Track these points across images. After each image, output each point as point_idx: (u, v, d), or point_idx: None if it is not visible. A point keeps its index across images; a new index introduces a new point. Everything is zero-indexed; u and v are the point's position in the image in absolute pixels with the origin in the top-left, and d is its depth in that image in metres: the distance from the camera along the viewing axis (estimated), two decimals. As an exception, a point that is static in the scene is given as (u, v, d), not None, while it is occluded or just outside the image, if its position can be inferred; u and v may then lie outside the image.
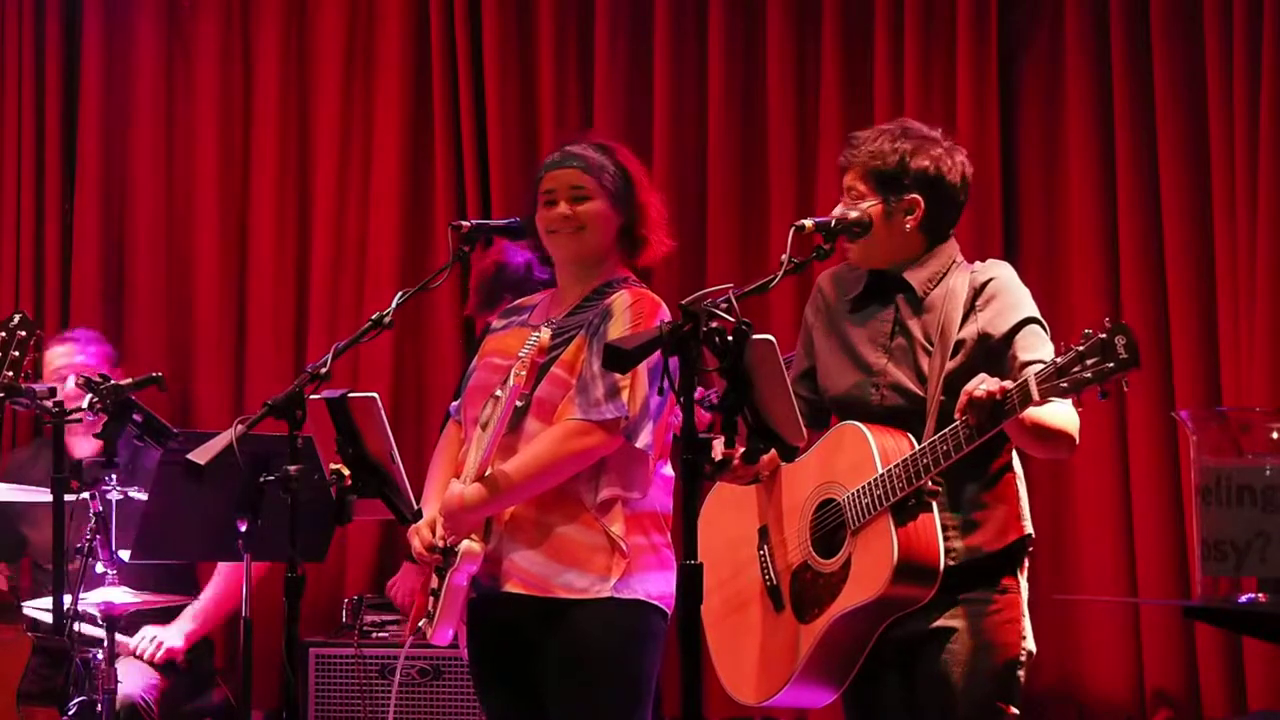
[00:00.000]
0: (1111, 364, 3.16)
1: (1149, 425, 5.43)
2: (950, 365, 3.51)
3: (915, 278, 3.60)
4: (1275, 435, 2.58)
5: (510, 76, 6.05)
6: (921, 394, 3.54)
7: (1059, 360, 3.23)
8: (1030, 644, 3.58)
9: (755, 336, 3.04)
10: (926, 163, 3.59)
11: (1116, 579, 5.46)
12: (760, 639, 3.67)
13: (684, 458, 2.98)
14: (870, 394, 3.59)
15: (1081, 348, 3.20)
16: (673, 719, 5.06)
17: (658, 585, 3.73)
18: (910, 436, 3.51)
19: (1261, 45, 5.33)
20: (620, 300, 3.77)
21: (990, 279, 3.58)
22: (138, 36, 6.34)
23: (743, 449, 3.15)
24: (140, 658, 5.22)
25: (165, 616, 5.30)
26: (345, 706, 5.44)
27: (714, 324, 3.01)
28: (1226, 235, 5.39)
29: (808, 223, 3.49)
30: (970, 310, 3.55)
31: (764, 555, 3.68)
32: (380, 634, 5.55)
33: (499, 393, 3.73)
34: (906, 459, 3.44)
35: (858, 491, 3.49)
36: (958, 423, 3.36)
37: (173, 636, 5.27)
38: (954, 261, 3.63)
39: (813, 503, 3.60)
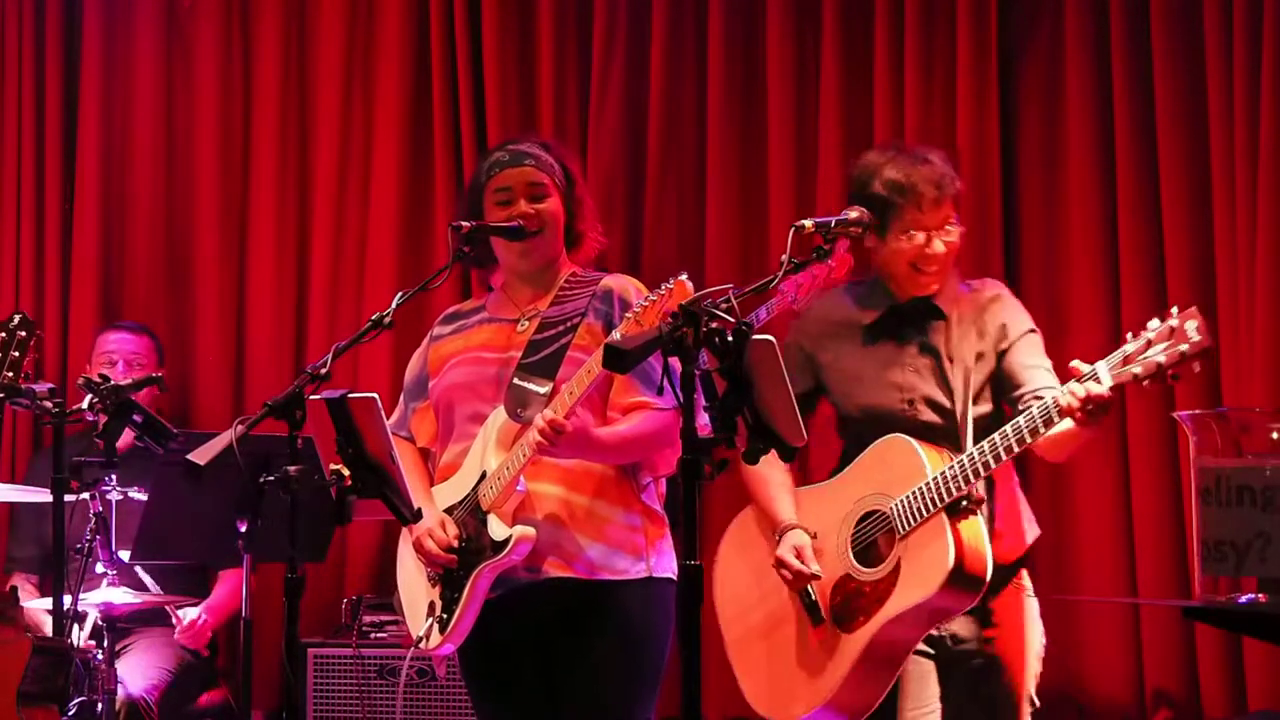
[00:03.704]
0: (1185, 348, 3.25)
1: (1149, 425, 5.43)
2: (976, 379, 3.70)
3: (941, 299, 3.80)
4: (1275, 435, 2.58)
5: (510, 76, 6.05)
6: (951, 407, 3.70)
7: (1129, 350, 3.33)
8: (1044, 638, 3.81)
9: (755, 337, 3.04)
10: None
11: (1116, 579, 5.46)
12: (798, 655, 3.79)
13: (684, 458, 2.99)
14: (904, 409, 3.75)
15: (1151, 335, 3.31)
16: (673, 719, 5.06)
17: (673, 560, 3.81)
18: (948, 450, 3.65)
19: (1261, 45, 5.32)
20: (620, 283, 3.83)
21: (996, 295, 3.80)
22: (138, 36, 6.34)
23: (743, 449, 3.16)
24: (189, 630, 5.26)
25: (165, 617, 5.30)
26: (344, 707, 5.44)
27: (714, 324, 3.02)
28: (1226, 235, 5.39)
29: (808, 223, 3.53)
30: (982, 325, 3.75)
31: None
32: (379, 634, 5.55)
33: (524, 383, 3.71)
34: (958, 462, 3.57)
35: (907, 497, 3.61)
36: (1008, 427, 3.50)
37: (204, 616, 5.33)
38: (959, 280, 3.83)
39: (854, 516, 3.72)
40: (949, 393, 3.72)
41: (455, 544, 3.74)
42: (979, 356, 3.72)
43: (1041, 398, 3.52)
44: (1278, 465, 2.53)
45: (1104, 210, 5.57)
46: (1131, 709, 5.48)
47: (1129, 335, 3.36)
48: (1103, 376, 3.35)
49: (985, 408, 3.70)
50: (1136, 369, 3.31)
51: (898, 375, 3.78)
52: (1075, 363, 3.44)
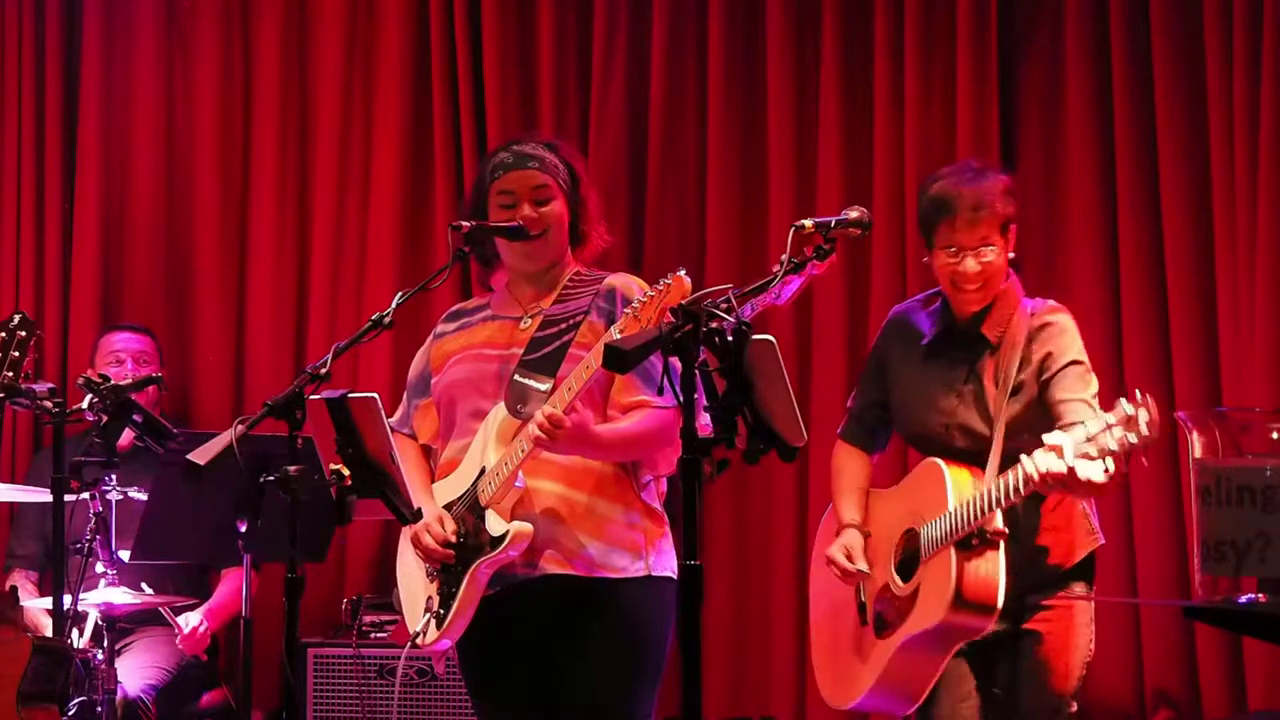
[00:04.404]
0: (1134, 439, 3.34)
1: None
2: (1013, 409, 3.76)
3: (988, 325, 3.85)
4: (1275, 435, 2.58)
5: (510, 76, 6.05)
6: (987, 434, 3.76)
7: (1091, 430, 3.41)
8: (1094, 643, 3.87)
9: (755, 336, 3.04)
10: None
11: (1116, 579, 5.46)
12: (847, 648, 3.94)
13: (684, 457, 2.98)
14: (941, 434, 3.84)
15: (1111, 419, 3.39)
16: (673, 719, 5.06)
17: (673, 559, 3.80)
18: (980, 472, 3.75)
19: (1261, 45, 5.32)
20: (624, 281, 3.83)
21: (1046, 322, 3.83)
22: (138, 36, 6.34)
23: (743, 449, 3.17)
24: (189, 638, 5.26)
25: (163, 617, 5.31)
26: (344, 707, 5.44)
27: (714, 324, 3.01)
28: (1226, 235, 5.39)
29: (808, 223, 3.55)
30: (1028, 354, 3.79)
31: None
32: (379, 634, 5.55)
33: (525, 379, 3.72)
34: (970, 500, 3.65)
35: (931, 525, 3.73)
36: (1001, 481, 3.58)
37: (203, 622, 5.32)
38: (1018, 303, 3.87)
39: (900, 529, 3.84)
40: (988, 422, 3.79)
41: (453, 539, 3.74)
42: (1020, 386, 3.78)
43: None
44: (1278, 465, 2.53)
45: (1104, 211, 5.57)
46: (1131, 709, 5.48)
47: (1096, 412, 3.48)
48: (1067, 454, 3.43)
49: (1023, 437, 3.73)
50: (1091, 450, 3.40)
51: (943, 399, 3.86)
52: (1046, 436, 3.51)
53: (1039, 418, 3.74)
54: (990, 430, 3.77)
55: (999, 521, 3.68)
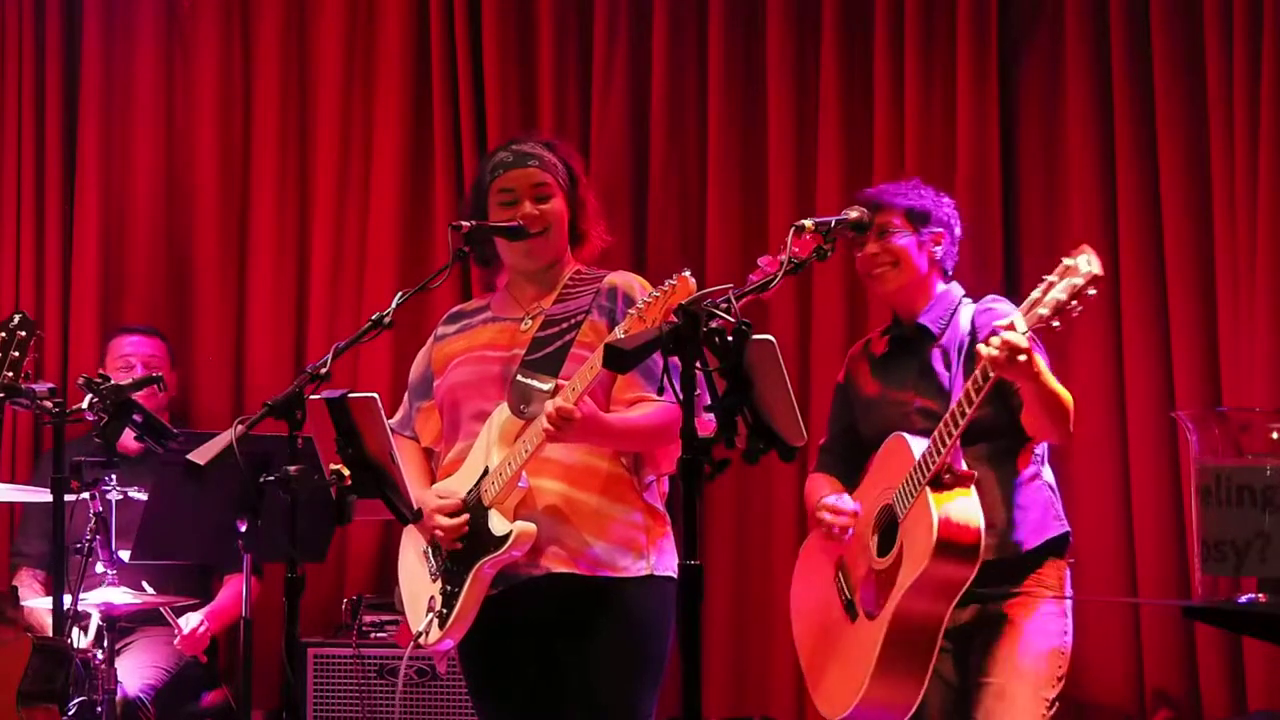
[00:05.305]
0: (1079, 280, 3.42)
1: (1149, 425, 5.43)
2: (970, 388, 3.74)
3: (929, 318, 3.96)
4: (1275, 435, 2.58)
5: (510, 76, 6.05)
6: (944, 412, 3.77)
7: (1035, 294, 3.49)
8: (1070, 636, 3.88)
9: (755, 336, 3.04)
10: (945, 209, 4.02)
11: (1116, 579, 5.46)
12: (841, 652, 3.92)
13: (684, 458, 2.99)
14: (902, 420, 3.90)
15: (1052, 276, 3.47)
16: (673, 719, 5.06)
17: (674, 558, 3.81)
18: None
19: (1261, 45, 5.32)
20: (624, 279, 3.85)
21: (989, 308, 3.93)
22: (138, 36, 6.34)
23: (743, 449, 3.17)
24: (189, 639, 5.26)
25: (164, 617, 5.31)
26: (344, 707, 5.44)
27: (714, 324, 3.02)
28: (1226, 235, 5.38)
29: (807, 223, 3.58)
30: (974, 334, 3.87)
31: (840, 578, 3.95)
32: (379, 634, 5.55)
33: (528, 380, 3.72)
34: (931, 435, 3.70)
35: (903, 483, 3.76)
36: (966, 385, 3.63)
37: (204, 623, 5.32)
38: (960, 300, 3.99)
39: (873, 513, 3.87)
40: (944, 397, 3.84)
41: (458, 505, 3.73)
42: (970, 361, 3.79)
43: None
44: (1278, 465, 2.53)
45: (1104, 211, 5.57)
46: (1131, 709, 5.48)
47: (1042, 279, 3.51)
48: (1018, 324, 3.49)
49: (985, 410, 3.74)
50: (1043, 310, 3.45)
51: (899, 393, 3.95)
52: (997, 322, 3.59)
53: (992, 393, 3.76)
54: (946, 405, 3.79)
55: (964, 465, 3.73)
